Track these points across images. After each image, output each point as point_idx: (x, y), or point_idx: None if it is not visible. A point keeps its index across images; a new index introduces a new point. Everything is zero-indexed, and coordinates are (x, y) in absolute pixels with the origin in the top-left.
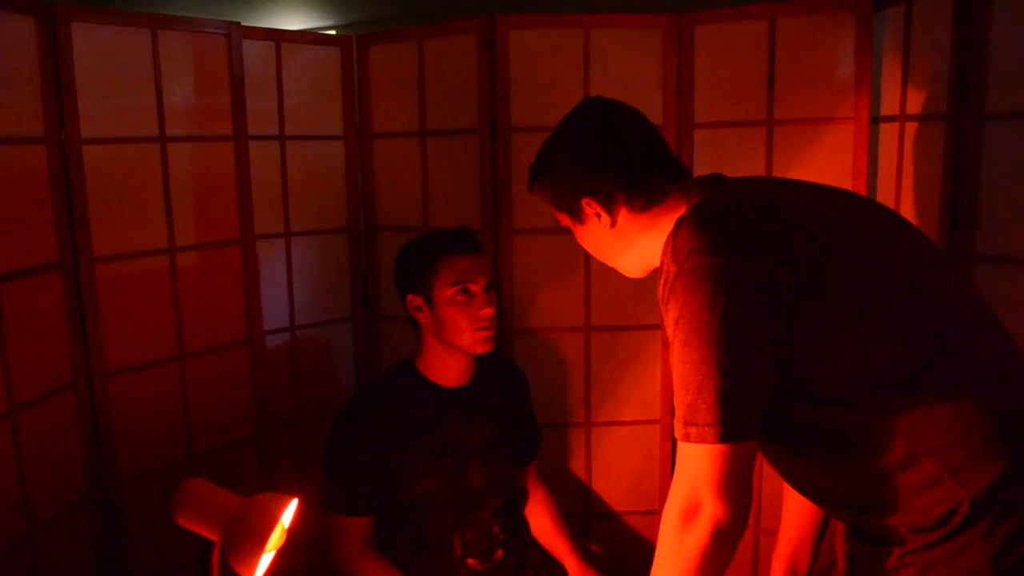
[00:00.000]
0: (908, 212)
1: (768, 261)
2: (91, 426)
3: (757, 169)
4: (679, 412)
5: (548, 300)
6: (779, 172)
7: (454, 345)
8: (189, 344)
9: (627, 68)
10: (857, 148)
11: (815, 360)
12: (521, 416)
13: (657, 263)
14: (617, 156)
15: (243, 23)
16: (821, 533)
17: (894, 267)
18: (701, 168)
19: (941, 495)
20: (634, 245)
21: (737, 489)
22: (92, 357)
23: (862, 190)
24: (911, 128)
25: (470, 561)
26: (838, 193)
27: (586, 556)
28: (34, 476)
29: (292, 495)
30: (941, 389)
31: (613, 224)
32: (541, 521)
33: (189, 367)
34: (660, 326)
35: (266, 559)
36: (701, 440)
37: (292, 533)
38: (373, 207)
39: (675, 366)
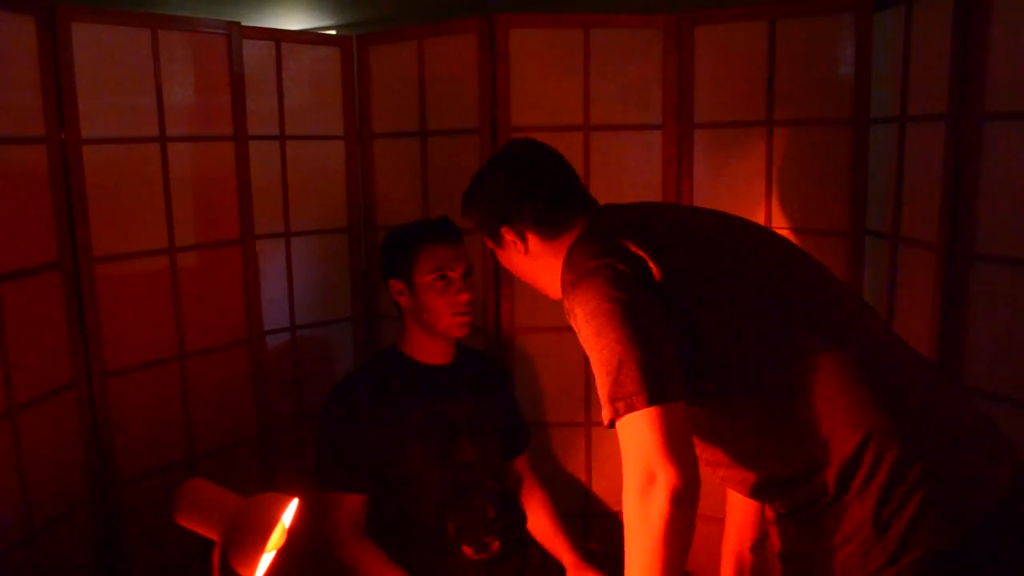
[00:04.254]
0: (908, 212)
1: (644, 258)
2: (91, 426)
3: (757, 169)
4: (605, 396)
5: (548, 300)
6: (778, 172)
7: (432, 328)
8: (189, 344)
9: (627, 68)
10: (856, 148)
11: (688, 347)
12: (504, 404)
13: None
14: (532, 195)
15: (243, 23)
16: (759, 516)
17: (748, 264)
18: (701, 168)
19: (817, 464)
20: (545, 268)
21: (682, 451)
22: (92, 357)
23: (862, 190)
24: (911, 128)
25: (465, 549)
26: (708, 212)
27: (585, 555)
28: (34, 476)
29: (292, 495)
30: (805, 364)
31: (527, 249)
32: (539, 520)
33: (189, 367)
34: None
35: (266, 559)
36: (630, 410)
37: (292, 533)
38: (373, 207)
39: (593, 359)
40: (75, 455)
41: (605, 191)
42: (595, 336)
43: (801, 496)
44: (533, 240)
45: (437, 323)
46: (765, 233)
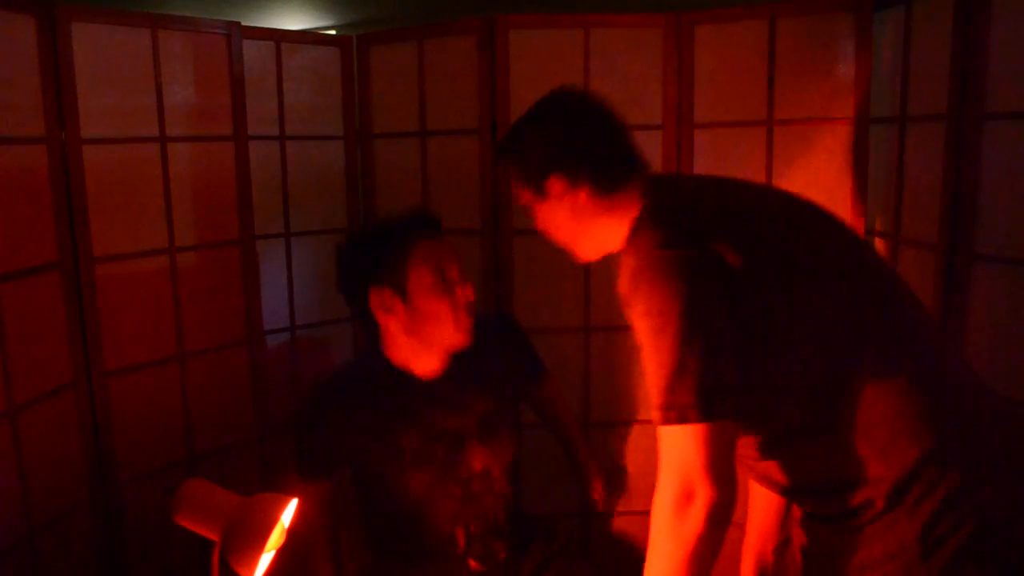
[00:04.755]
0: (908, 212)
1: (720, 248)
2: (91, 426)
3: (757, 169)
4: (657, 399)
5: (548, 300)
6: (779, 172)
7: (436, 340)
8: (189, 344)
9: (627, 68)
10: (857, 148)
11: (750, 341)
12: (519, 362)
13: (610, 249)
14: (590, 138)
15: (243, 23)
16: (783, 518)
17: (832, 257)
18: (701, 168)
19: (868, 475)
20: (590, 229)
21: (725, 470)
22: (92, 357)
23: (862, 190)
24: (911, 128)
25: (472, 563)
26: (780, 195)
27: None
28: (34, 476)
29: (292, 495)
30: (871, 374)
31: (575, 204)
32: (555, 418)
33: (189, 367)
34: None
35: (266, 559)
36: (683, 420)
37: (292, 533)
38: (373, 207)
39: (648, 355)
40: (75, 455)
41: None
42: (656, 333)
43: (841, 504)
44: (584, 194)
45: (441, 334)
46: (841, 228)
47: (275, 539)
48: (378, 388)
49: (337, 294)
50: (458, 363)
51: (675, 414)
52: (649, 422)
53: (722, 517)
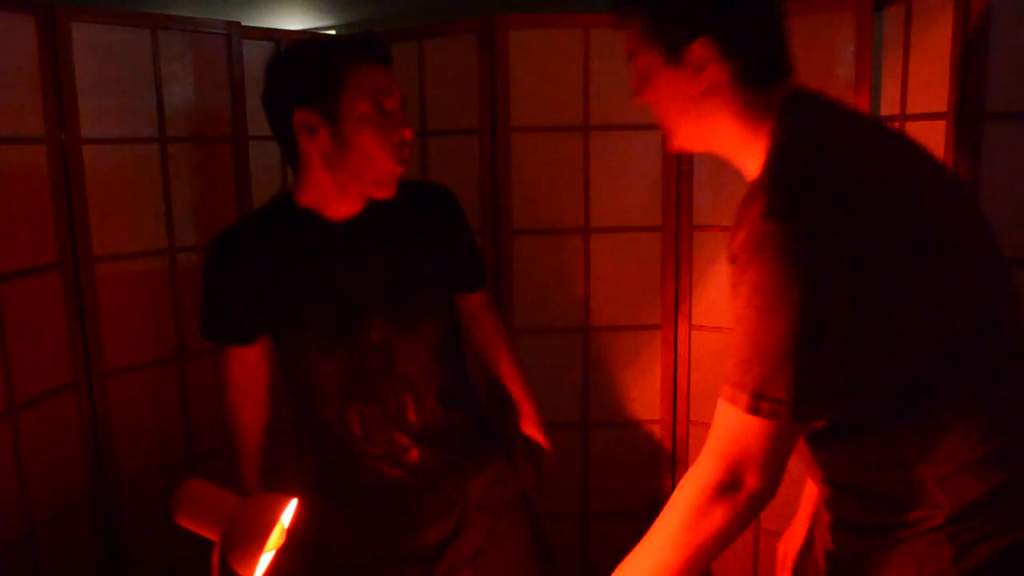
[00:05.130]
0: None
1: (853, 223)
2: (91, 426)
3: None
4: (747, 381)
5: (548, 300)
6: None
7: (360, 177)
8: (189, 344)
9: (627, 68)
10: None
11: (866, 340)
12: (452, 247)
13: (713, 148)
14: (759, 11)
15: (243, 23)
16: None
17: (958, 254)
18: (701, 168)
19: (922, 498)
20: (710, 120)
21: (780, 469)
22: (92, 357)
23: None
24: (911, 128)
25: (372, 449)
26: (929, 162)
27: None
28: (34, 476)
29: (292, 495)
30: (955, 398)
31: (710, 84)
32: (491, 360)
33: (189, 367)
34: (659, 326)
35: (266, 559)
36: (774, 417)
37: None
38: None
39: (747, 330)
40: (75, 455)
41: (605, 191)
42: (762, 314)
43: (883, 515)
44: (727, 76)
45: (369, 171)
46: (972, 211)
47: (275, 539)
48: (281, 229)
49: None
50: (376, 212)
51: (766, 406)
52: (649, 422)
53: (758, 509)
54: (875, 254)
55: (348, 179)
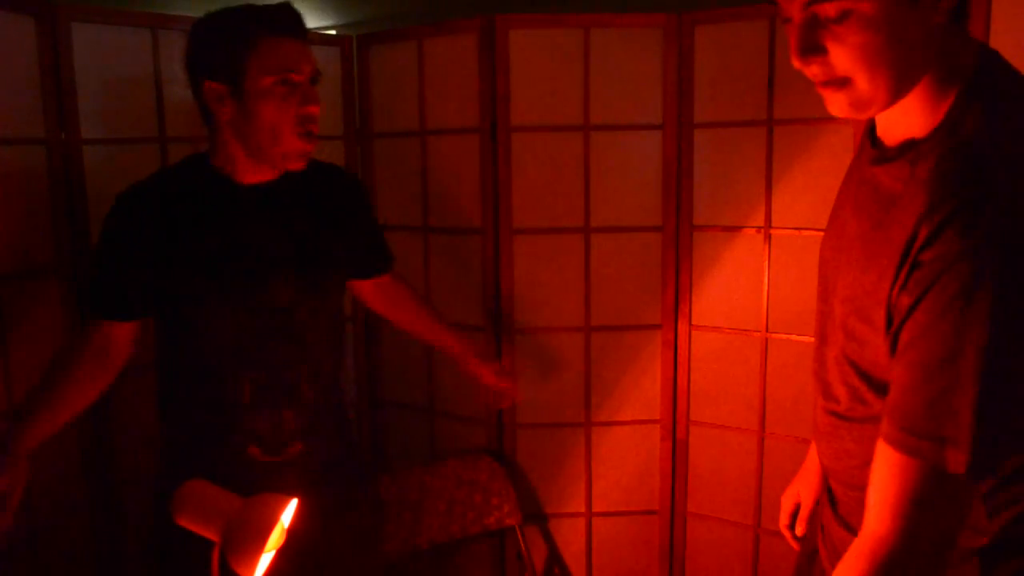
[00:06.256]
0: None
1: None
2: (91, 426)
3: (757, 169)
4: (910, 414)
5: (548, 300)
6: (779, 172)
7: (264, 152)
8: None
9: (627, 68)
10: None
11: None
12: (359, 230)
13: (898, 98)
14: None
15: None
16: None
17: None
18: (701, 168)
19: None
20: (915, 72)
21: (944, 547)
22: None
23: None
24: None
25: (255, 424)
26: None
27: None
28: (34, 476)
29: (292, 495)
30: None
31: (926, 19)
32: (410, 315)
33: None
34: (659, 326)
35: (266, 559)
36: (937, 462)
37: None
38: (373, 207)
39: (924, 347)
40: (75, 455)
41: (605, 191)
42: (952, 329)
43: None
44: (943, 10)
45: (273, 145)
46: None
47: (275, 539)
48: (191, 188)
49: None
50: (288, 182)
51: (928, 448)
52: (649, 422)
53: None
54: None
55: (255, 150)
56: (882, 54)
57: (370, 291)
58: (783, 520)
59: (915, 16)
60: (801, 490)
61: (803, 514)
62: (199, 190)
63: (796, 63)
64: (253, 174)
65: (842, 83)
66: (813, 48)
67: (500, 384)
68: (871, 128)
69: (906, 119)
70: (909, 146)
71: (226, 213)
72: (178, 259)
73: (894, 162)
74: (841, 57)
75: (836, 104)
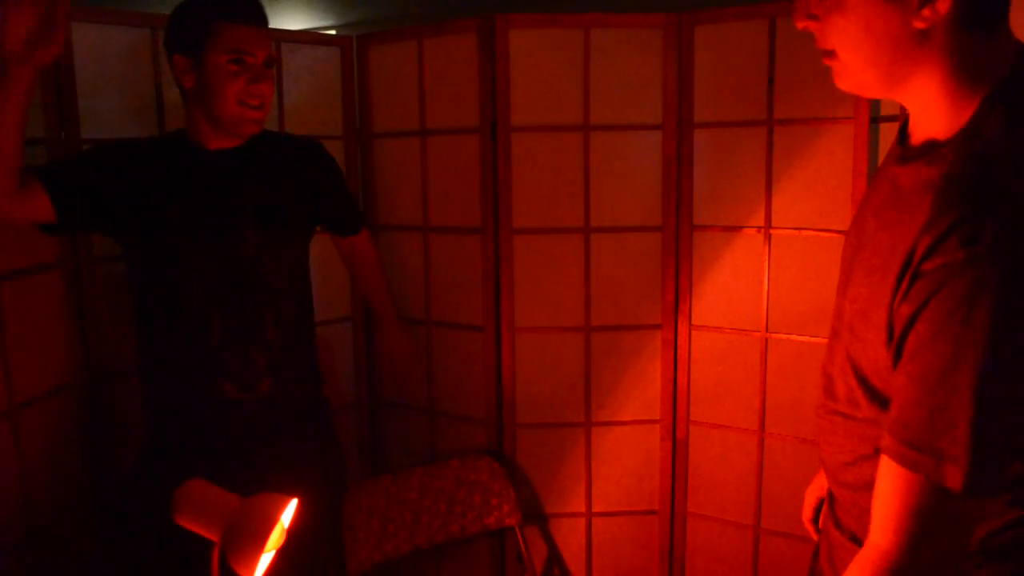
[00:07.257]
0: None
1: None
2: (91, 426)
3: (757, 169)
4: (909, 425)
5: (548, 299)
6: (779, 172)
7: (216, 118)
8: None
9: (627, 68)
10: (857, 148)
11: None
12: (326, 192)
13: (897, 99)
14: None
15: None
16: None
17: None
18: (701, 168)
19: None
20: (909, 70)
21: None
22: (92, 357)
23: (861, 190)
24: None
25: (226, 358)
26: None
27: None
28: (34, 476)
29: (292, 495)
30: None
31: (921, 33)
32: (367, 272)
33: None
34: (659, 326)
35: (266, 559)
36: (936, 478)
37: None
38: (373, 207)
39: (923, 360)
40: (75, 455)
41: (605, 191)
42: (951, 343)
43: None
44: (946, 8)
45: (222, 111)
46: None
47: (275, 539)
48: (164, 152)
49: (337, 293)
50: (253, 148)
51: (930, 463)
52: (649, 422)
53: None
54: None
55: (213, 119)
56: (860, 41)
57: (346, 247)
58: (806, 514)
59: (892, 15)
60: (823, 485)
61: (825, 508)
62: (171, 153)
63: (797, 23)
64: (217, 140)
65: (830, 54)
66: (807, 12)
67: (404, 365)
68: (903, 125)
69: (928, 119)
70: (930, 147)
71: (192, 174)
72: (145, 210)
73: (913, 162)
74: (826, 29)
75: (834, 74)
